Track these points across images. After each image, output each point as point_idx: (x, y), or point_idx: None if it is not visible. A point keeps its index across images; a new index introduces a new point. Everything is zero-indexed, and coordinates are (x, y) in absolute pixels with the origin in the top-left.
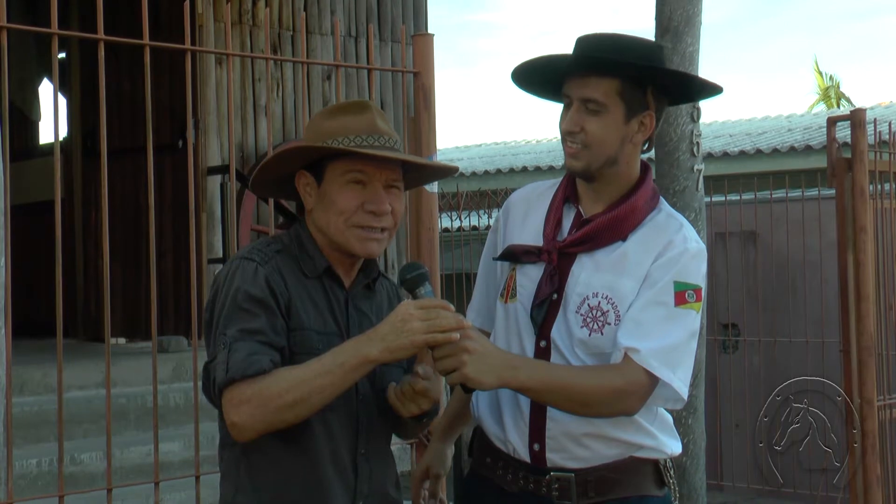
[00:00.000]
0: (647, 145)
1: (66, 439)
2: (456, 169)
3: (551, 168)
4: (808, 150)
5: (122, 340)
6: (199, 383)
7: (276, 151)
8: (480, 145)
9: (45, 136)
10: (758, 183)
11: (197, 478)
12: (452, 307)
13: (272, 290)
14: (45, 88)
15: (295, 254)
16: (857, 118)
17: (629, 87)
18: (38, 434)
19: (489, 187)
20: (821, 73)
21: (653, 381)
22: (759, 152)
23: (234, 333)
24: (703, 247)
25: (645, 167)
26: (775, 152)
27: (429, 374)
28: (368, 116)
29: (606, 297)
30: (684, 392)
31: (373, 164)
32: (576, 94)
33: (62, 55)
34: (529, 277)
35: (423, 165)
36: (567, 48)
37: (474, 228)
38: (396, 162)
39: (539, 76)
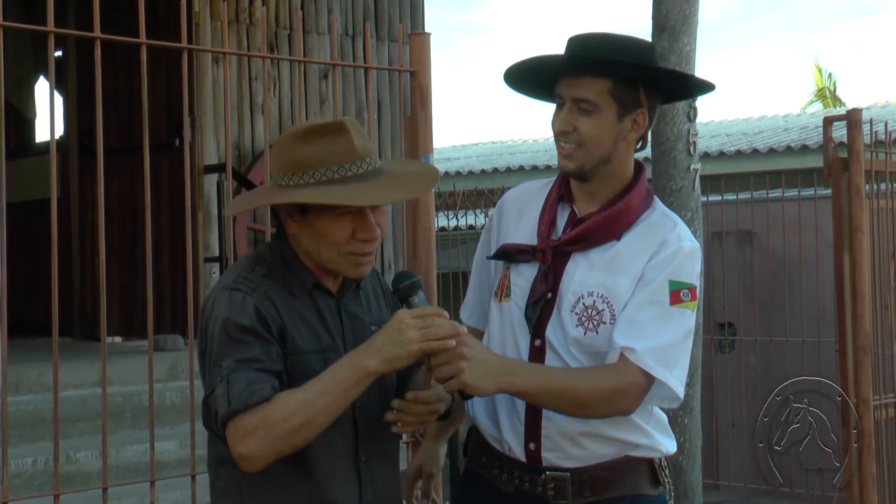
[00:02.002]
0: (640, 144)
1: (61, 438)
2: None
3: (548, 167)
4: (805, 149)
5: (118, 339)
6: (196, 382)
7: (257, 199)
8: (477, 144)
9: (42, 134)
10: (754, 182)
11: (193, 477)
12: (447, 314)
13: (263, 319)
14: (42, 86)
15: (282, 272)
16: (853, 118)
17: (621, 86)
18: (33, 433)
19: (485, 186)
20: (820, 71)
21: (649, 380)
22: (755, 152)
23: (231, 364)
24: (697, 245)
25: (639, 166)
26: (772, 152)
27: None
28: (346, 139)
29: (601, 297)
30: (680, 391)
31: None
32: (568, 94)
33: (59, 53)
34: (524, 276)
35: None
36: (562, 47)
37: (471, 227)
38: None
39: (531, 77)
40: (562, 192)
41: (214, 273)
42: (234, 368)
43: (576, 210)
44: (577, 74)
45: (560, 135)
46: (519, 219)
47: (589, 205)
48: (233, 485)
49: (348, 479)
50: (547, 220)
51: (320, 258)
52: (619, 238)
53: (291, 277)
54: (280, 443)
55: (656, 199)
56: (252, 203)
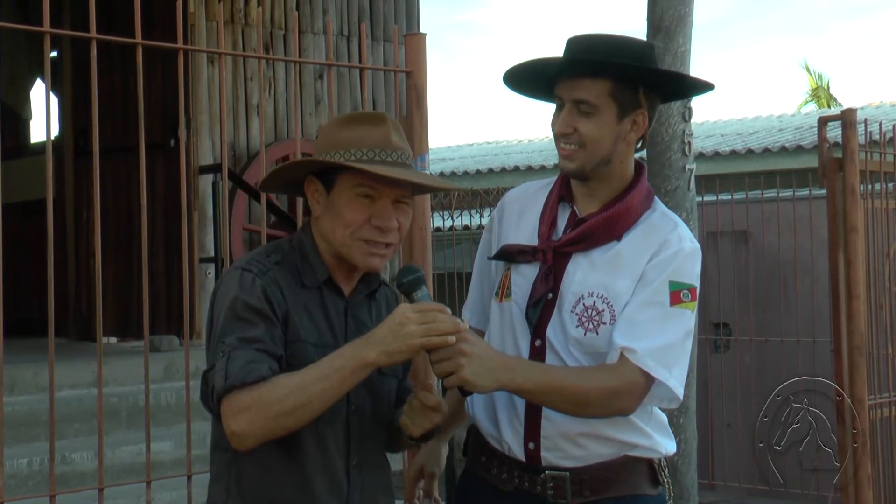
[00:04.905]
0: (640, 144)
1: (57, 438)
2: (461, 190)
3: (543, 167)
4: (799, 149)
5: (113, 339)
6: (192, 383)
7: (290, 162)
8: (472, 145)
9: (37, 134)
10: (749, 182)
11: (188, 477)
12: (449, 310)
13: (269, 301)
14: (37, 87)
15: (296, 263)
16: (848, 118)
17: (621, 87)
18: (29, 433)
19: (481, 187)
20: (810, 72)
21: (649, 380)
22: (750, 152)
23: (233, 342)
24: (697, 246)
25: (639, 167)
26: (766, 152)
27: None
28: (383, 130)
29: (601, 297)
30: (680, 391)
31: (383, 181)
32: (567, 96)
33: (54, 53)
34: (524, 277)
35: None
36: (558, 46)
37: (466, 228)
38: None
39: (531, 78)
40: (562, 193)
41: (210, 273)
42: (236, 346)
43: (576, 210)
44: (577, 76)
45: (560, 136)
46: (520, 219)
47: (589, 205)
48: (223, 469)
49: (337, 479)
50: (547, 220)
51: (334, 239)
52: (619, 238)
53: (305, 268)
54: (272, 423)
55: (657, 199)
56: (286, 171)
